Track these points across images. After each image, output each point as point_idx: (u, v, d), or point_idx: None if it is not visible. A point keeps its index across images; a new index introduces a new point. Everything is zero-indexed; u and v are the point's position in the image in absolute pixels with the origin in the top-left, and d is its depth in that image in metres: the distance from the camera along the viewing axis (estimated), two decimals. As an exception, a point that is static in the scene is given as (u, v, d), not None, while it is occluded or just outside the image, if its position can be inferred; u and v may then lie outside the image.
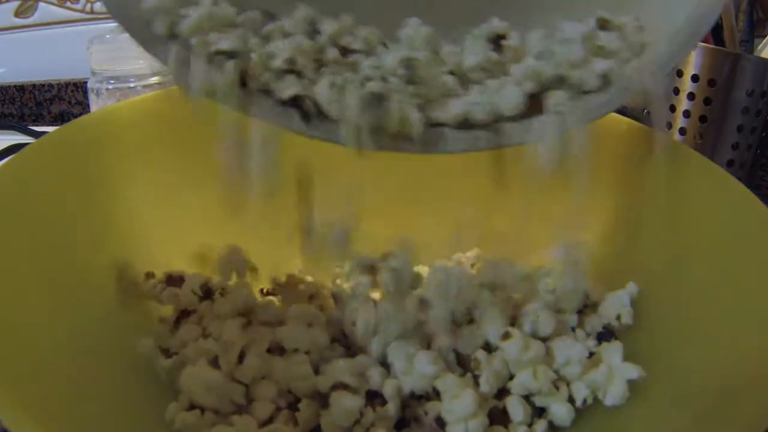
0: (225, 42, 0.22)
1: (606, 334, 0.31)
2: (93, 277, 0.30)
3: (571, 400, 0.29)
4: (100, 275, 0.31)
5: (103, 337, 0.29)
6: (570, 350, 0.29)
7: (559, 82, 0.24)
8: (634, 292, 0.32)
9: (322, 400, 0.28)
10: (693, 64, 0.52)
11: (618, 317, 0.31)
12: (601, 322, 0.32)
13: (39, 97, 0.75)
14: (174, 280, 0.32)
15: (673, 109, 0.54)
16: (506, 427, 0.28)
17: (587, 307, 0.32)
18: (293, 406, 0.28)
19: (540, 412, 0.29)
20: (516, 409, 0.27)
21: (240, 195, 0.25)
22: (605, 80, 0.24)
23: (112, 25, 0.67)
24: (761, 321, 0.26)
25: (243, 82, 0.23)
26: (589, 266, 0.32)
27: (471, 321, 0.29)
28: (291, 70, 0.23)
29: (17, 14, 0.78)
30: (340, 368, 0.28)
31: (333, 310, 0.31)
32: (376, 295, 0.30)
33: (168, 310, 0.32)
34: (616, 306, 0.31)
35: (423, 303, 0.29)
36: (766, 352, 0.25)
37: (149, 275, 0.32)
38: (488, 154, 0.28)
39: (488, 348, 0.30)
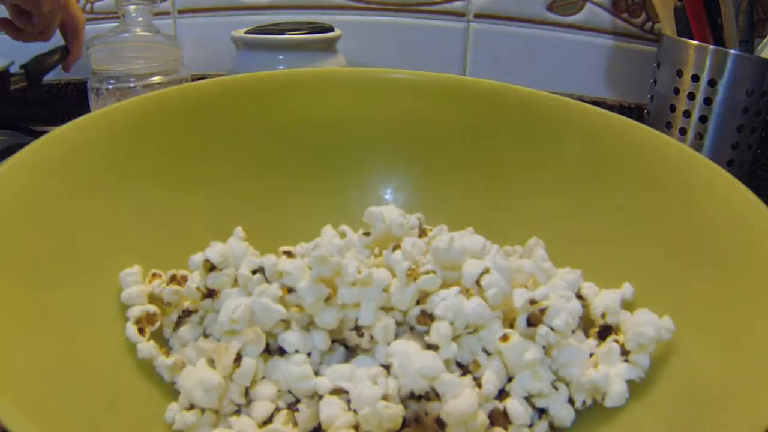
0: None
1: (605, 331, 0.31)
2: (94, 277, 0.30)
3: (571, 401, 0.29)
4: (101, 275, 0.31)
5: (103, 337, 0.29)
6: (569, 351, 0.29)
7: None
8: (629, 293, 0.32)
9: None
10: (693, 64, 0.52)
11: (603, 315, 0.31)
12: (597, 321, 0.32)
13: (39, 97, 0.75)
14: (177, 280, 0.32)
15: (673, 109, 0.54)
16: (506, 428, 0.28)
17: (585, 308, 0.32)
18: (293, 406, 0.28)
19: (540, 413, 0.29)
20: (516, 410, 0.27)
21: None
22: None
23: (112, 25, 0.68)
24: (762, 321, 0.26)
25: None
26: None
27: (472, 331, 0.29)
28: None
29: (17, 14, 0.77)
30: (340, 374, 0.28)
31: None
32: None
33: (169, 311, 0.32)
34: (606, 303, 0.31)
35: (426, 315, 0.29)
36: (765, 352, 0.25)
37: (155, 275, 0.32)
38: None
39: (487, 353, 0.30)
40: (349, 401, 0.27)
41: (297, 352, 0.29)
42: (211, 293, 0.31)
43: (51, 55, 0.69)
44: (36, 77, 0.67)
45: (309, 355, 0.29)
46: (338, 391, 0.28)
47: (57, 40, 0.73)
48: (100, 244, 0.31)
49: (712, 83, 0.51)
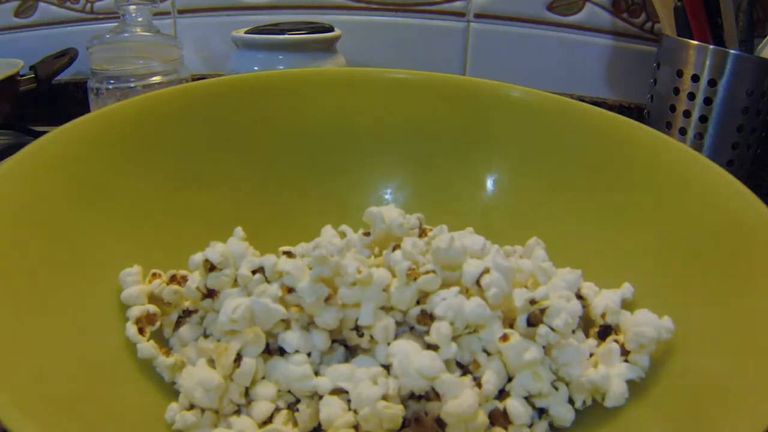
0: None
1: (606, 331, 0.31)
2: (93, 277, 0.30)
3: (571, 401, 0.29)
4: (101, 275, 0.31)
5: (104, 337, 0.29)
6: (569, 351, 0.29)
7: None
8: (629, 293, 0.32)
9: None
10: (693, 64, 0.52)
11: (603, 315, 0.31)
12: (597, 321, 0.32)
13: (39, 97, 0.75)
14: (177, 280, 0.32)
15: (673, 109, 0.54)
16: (506, 428, 0.28)
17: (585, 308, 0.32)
18: (293, 406, 0.28)
19: (540, 413, 0.29)
20: (516, 410, 0.27)
21: None
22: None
23: (112, 24, 0.68)
24: (762, 320, 0.26)
25: None
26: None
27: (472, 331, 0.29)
28: None
29: (17, 14, 0.77)
30: (340, 374, 0.28)
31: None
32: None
33: (169, 311, 0.32)
34: (606, 303, 0.31)
35: (426, 315, 0.29)
36: (765, 352, 0.25)
37: (155, 275, 0.32)
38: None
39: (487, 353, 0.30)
40: (349, 401, 0.27)
41: (297, 352, 0.29)
42: (211, 293, 0.31)
43: (60, 57, 0.70)
44: (45, 79, 0.67)
45: (309, 355, 0.29)
46: (338, 391, 0.28)
47: (66, 41, 0.74)
48: (99, 243, 0.31)
49: (712, 83, 0.51)
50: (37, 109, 0.73)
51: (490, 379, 0.28)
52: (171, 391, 0.29)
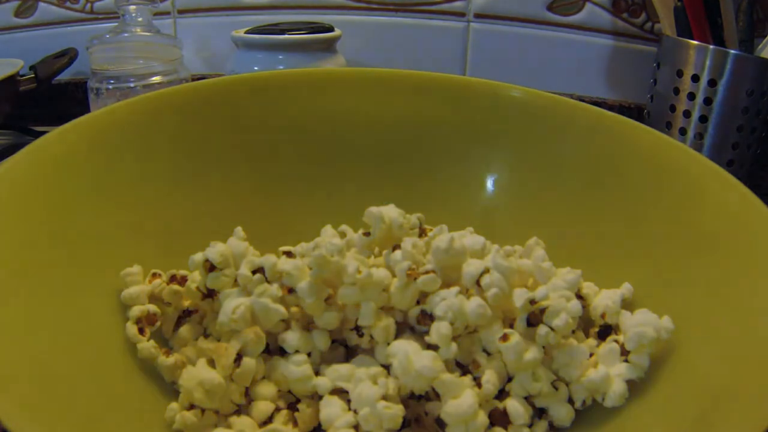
0: None
1: (606, 331, 0.31)
2: (93, 277, 0.30)
3: (571, 401, 0.29)
4: (101, 275, 0.31)
5: (103, 337, 0.29)
6: (569, 351, 0.29)
7: None
8: (629, 293, 0.32)
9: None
10: (693, 64, 0.52)
11: (603, 315, 0.31)
12: (597, 321, 0.32)
13: (39, 97, 0.75)
14: (177, 280, 0.32)
15: (673, 109, 0.54)
16: (506, 428, 0.28)
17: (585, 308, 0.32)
18: (293, 406, 0.28)
19: (540, 413, 0.29)
20: (516, 410, 0.27)
21: None
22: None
23: (112, 24, 0.68)
24: (762, 320, 0.26)
25: None
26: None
27: (472, 331, 0.29)
28: None
29: (17, 14, 0.78)
30: (340, 374, 0.28)
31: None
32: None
33: (169, 311, 0.32)
34: (606, 303, 0.31)
35: (426, 315, 0.29)
36: (766, 352, 0.25)
37: (155, 275, 0.32)
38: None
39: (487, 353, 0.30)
40: (349, 401, 0.27)
41: (297, 352, 0.29)
42: (211, 293, 0.31)
43: (60, 57, 0.70)
44: (45, 79, 0.67)
45: (309, 355, 0.29)
46: (338, 391, 0.28)
47: (66, 41, 0.74)
48: (99, 243, 0.31)
49: (712, 83, 0.51)
50: (37, 109, 0.73)
51: (490, 379, 0.28)
52: (171, 391, 0.29)
